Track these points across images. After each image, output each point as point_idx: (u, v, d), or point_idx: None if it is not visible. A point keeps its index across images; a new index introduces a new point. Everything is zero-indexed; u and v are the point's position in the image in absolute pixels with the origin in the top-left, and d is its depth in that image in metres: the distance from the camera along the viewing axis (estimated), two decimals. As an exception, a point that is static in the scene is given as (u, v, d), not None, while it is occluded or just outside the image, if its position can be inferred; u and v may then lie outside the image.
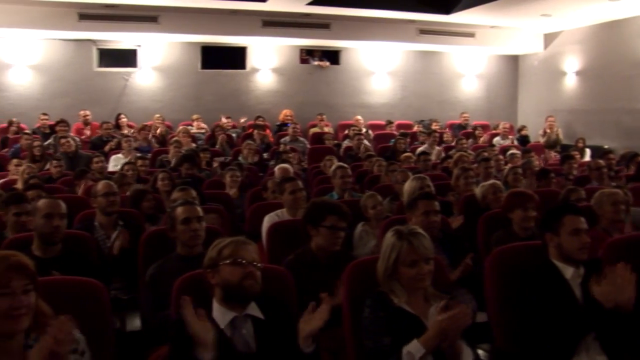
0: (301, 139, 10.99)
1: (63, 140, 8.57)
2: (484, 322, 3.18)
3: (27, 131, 9.80)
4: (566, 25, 12.66)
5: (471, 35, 13.25)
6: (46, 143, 9.00)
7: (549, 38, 13.66)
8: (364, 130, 11.61)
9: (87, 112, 11.19)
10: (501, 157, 8.39)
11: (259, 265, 2.61)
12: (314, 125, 12.60)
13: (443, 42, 13.39)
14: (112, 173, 7.06)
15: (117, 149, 9.17)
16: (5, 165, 8.03)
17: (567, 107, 13.04)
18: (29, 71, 11.73)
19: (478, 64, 14.60)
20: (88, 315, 2.54)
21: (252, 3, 10.85)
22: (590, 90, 12.50)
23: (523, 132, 12.37)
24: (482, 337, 3.20)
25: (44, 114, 10.69)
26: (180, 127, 10.64)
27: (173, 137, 9.77)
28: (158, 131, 10.71)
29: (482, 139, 11.69)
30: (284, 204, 4.89)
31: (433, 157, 9.01)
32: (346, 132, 11.58)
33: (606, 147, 10.10)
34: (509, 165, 7.72)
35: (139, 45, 12.40)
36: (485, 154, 7.96)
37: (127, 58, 12.44)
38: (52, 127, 10.13)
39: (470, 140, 11.25)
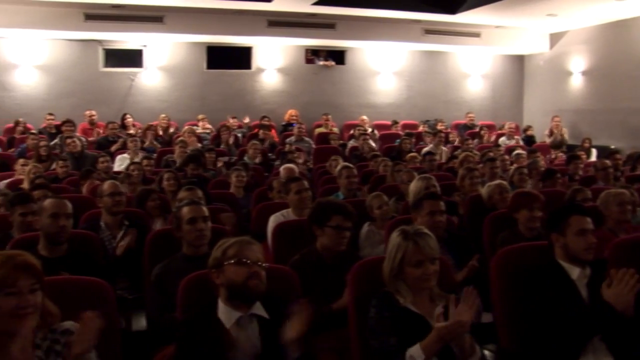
0: (307, 139, 10.99)
1: (69, 141, 8.59)
2: (489, 323, 3.17)
3: (33, 131, 9.84)
4: (572, 25, 12.62)
5: (477, 35, 13.23)
6: (52, 143, 9.02)
7: (554, 38, 13.62)
8: (369, 130, 11.60)
9: (93, 112, 11.20)
10: (507, 157, 8.37)
11: (263, 265, 2.62)
12: (320, 125, 12.62)
13: (448, 42, 13.37)
14: (118, 173, 7.07)
15: (123, 149, 9.19)
16: (11, 165, 8.05)
17: (573, 107, 13.00)
18: (35, 71, 11.77)
19: (483, 64, 14.57)
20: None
21: (258, 3, 10.85)
22: (597, 90, 12.47)
23: (529, 132, 12.34)
24: (487, 338, 3.19)
25: (50, 114, 10.72)
26: (186, 127, 10.66)
27: (178, 137, 9.79)
28: (165, 131, 10.76)
29: (487, 139, 11.66)
30: (289, 204, 4.89)
31: (439, 157, 9.00)
32: (352, 132, 11.57)
33: (612, 147, 10.07)
34: (515, 165, 7.71)
35: (145, 46, 12.43)
36: (491, 154, 7.93)
37: (132, 58, 12.47)
38: (58, 127, 10.16)
39: (476, 141, 11.24)
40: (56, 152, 8.63)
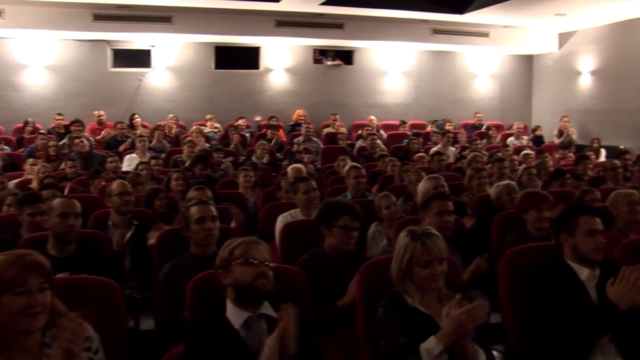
0: (314, 139, 10.99)
1: (77, 141, 8.63)
2: (497, 323, 3.16)
3: (42, 131, 9.88)
4: (581, 24, 12.57)
5: (485, 35, 13.20)
6: (61, 143, 9.06)
7: (563, 37, 13.57)
8: (376, 130, 11.60)
9: (102, 112, 11.24)
10: (515, 157, 8.34)
11: (270, 264, 2.62)
12: (328, 125, 12.62)
13: (457, 42, 13.35)
14: (126, 173, 7.09)
15: (131, 149, 9.21)
16: (21, 164, 8.10)
17: (582, 107, 12.95)
18: (44, 71, 11.82)
19: (492, 63, 14.54)
20: (102, 314, 2.55)
21: (266, 3, 10.87)
22: (606, 90, 12.41)
23: (537, 132, 12.30)
24: (496, 338, 3.19)
25: (59, 114, 10.77)
26: (194, 127, 10.69)
27: (186, 137, 9.81)
28: (173, 131, 10.78)
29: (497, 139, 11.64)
30: (297, 204, 4.89)
31: (447, 158, 8.98)
32: (359, 132, 11.57)
33: (622, 147, 10.03)
34: (523, 165, 7.69)
35: (153, 46, 12.46)
36: (499, 154, 7.92)
37: (141, 58, 12.51)
38: (66, 127, 10.20)
39: (484, 141, 11.21)
40: (65, 152, 8.67)
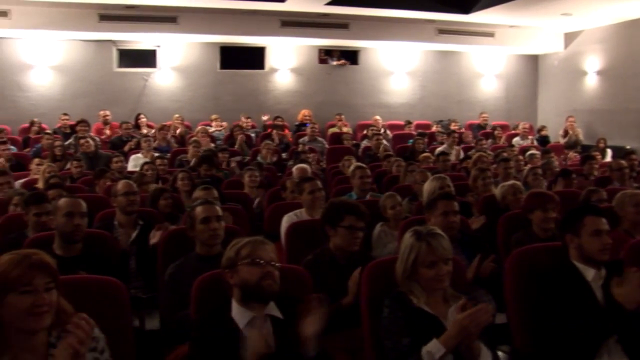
0: (320, 139, 10.99)
1: (82, 141, 8.63)
2: (503, 324, 3.16)
3: (48, 131, 9.90)
4: (587, 24, 12.53)
5: (490, 34, 13.17)
6: (67, 143, 9.08)
7: (569, 37, 13.53)
8: (381, 130, 11.58)
9: (107, 112, 11.28)
10: (521, 157, 8.33)
11: (276, 265, 2.62)
12: (333, 125, 12.62)
13: (462, 42, 13.33)
14: (132, 173, 7.10)
15: (137, 148, 9.23)
16: (27, 164, 8.11)
17: (587, 107, 12.91)
18: (50, 72, 11.86)
19: (497, 63, 14.51)
20: (108, 313, 2.55)
21: (271, 3, 10.87)
22: (612, 90, 12.36)
23: (543, 133, 12.28)
24: (501, 339, 3.18)
25: (65, 114, 10.82)
26: (199, 127, 10.70)
27: (192, 137, 9.82)
28: (178, 131, 10.80)
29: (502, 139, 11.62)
30: (302, 204, 4.89)
31: (452, 158, 8.97)
32: (365, 132, 11.56)
33: (628, 147, 9.99)
34: (529, 165, 7.67)
35: (158, 46, 12.49)
36: (505, 154, 7.90)
37: (146, 58, 12.54)
38: (72, 127, 10.22)
39: (490, 141, 11.19)
40: (70, 152, 8.68)
